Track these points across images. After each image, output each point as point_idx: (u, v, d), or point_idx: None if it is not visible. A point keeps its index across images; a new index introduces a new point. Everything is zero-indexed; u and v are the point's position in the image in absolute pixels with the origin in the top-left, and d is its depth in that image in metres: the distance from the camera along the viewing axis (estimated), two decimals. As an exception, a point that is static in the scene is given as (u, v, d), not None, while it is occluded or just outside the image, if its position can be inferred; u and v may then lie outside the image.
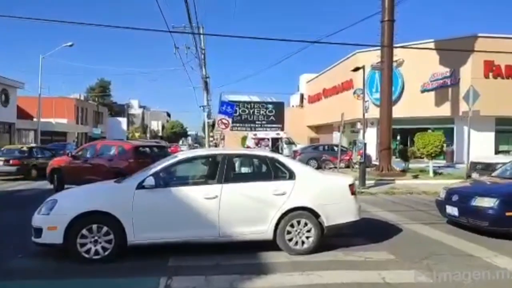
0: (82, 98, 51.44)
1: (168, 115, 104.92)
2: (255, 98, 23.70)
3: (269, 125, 22.96)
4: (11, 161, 15.18)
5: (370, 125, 24.25)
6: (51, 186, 11.97)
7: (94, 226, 4.88)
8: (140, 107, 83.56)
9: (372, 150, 21.90)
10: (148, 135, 72.45)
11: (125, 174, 7.57)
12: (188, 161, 5.90)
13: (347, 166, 19.75)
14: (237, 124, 21.65)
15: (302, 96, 42.95)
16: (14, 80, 27.93)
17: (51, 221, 4.90)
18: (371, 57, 20.98)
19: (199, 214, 5.13)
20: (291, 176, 5.53)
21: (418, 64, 23.34)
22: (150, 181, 5.06)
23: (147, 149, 12.21)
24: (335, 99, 30.74)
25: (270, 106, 23.68)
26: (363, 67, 14.83)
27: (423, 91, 24.53)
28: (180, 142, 71.87)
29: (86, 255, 4.86)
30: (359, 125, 24.41)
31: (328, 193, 5.57)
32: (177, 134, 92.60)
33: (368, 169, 14.92)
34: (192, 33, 15.27)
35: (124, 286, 4.29)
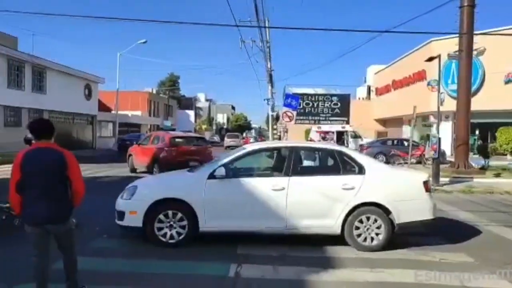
0: (154, 92, 54.47)
1: (233, 108, 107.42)
2: (320, 91, 23.32)
3: (333, 118, 22.48)
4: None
5: (445, 118, 22.68)
6: (127, 174, 13.29)
7: (170, 212, 5.20)
8: (207, 100, 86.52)
9: (446, 146, 20.46)
10: (214, 127, 74.95)
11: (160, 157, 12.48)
12: (256, 153, 6.01)
13: (419, 162, 18.68)
14: (301, 117, 21.46)
15: (369, 88, 41.41)
16: (96, 75, 30.44)
17: (132, 206, 5.31)
18: (447, 45, 19.46)
19: (266, 205, 5.23)
20: (361, 170, 5.40)
21: (502, 52, 21.23)
22: (221, 171, 5.25)
23: (182, 139, 14.33)
24: (405, 91, 29.16)
25: (335, 98, 23.17)
26: (439, 57, 13.85)
27: (507, 82, 22.32)
28: (244, 135, 73.32)
29: (163, 239, 5.20)
30: (432, 119, 22.88)
31: (401, 189, 5.35)
32: (241, 127, 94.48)
33: (442, 166, 13.99)
34: (258, 26, 15.43)
35: (197, 269, 4.51)
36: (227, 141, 39.66)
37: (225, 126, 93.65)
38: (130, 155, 15.22)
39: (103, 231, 5.95)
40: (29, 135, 5.75)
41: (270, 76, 23.41)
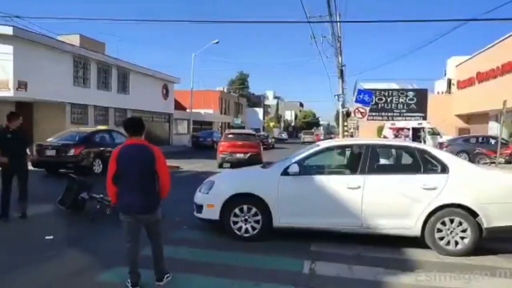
0: (225, 90, 56.23)
1: (301, 105, 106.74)
2: (394, 86, 22.18)
3: (409, 114, 21.27)
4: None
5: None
6: (201, 169, 14.03)
7: (245, 207, 5.37)
8: (275, 97, 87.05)
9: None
10: (281, 124, 75.23)
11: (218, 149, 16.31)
12: (330, 150, 5.95)
13: (508, 162, 16.93)
14: (373, 113, 20.68)
15: (449, 82, 38.34)
16: (172, 76, 32.28)
17: (210, 199, 5.58)
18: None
19: (341, 203, 5.16)
20: (444, 169, 5.07)
21: None
22: (294, 168, 5.29)
23: (233, 135, 17.43)
24: (492, 84, 26.51)
25: (410, 93, 21.88)
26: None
27: None
28: (304, 131, 72.70)
29: (238, 232, 5.39)
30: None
31: (491, 191, 4.94)
32: (309, 124, 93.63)
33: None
34: (331, 21, 15.13)
35: (271, 264, 4.61)
36: (304, 137, 48.81)
37: (292, 124, 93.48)
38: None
39: (183, 223, 6.32)
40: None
41: (341, 71, 22.82)
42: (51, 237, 5.41)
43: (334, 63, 22.94)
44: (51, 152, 11.80)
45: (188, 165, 16.09)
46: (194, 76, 35.13)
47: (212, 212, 5.51)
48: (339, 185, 5.20)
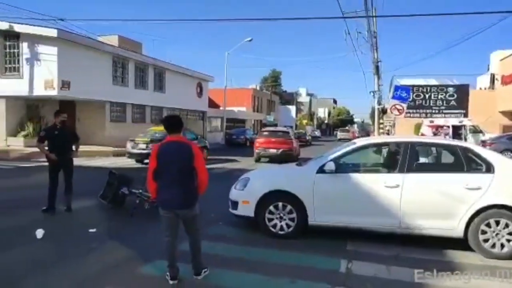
0: (258, 88, 56.34)
1: (335, 102, 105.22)
2: (432, 81, 21.41)
3: (449, 111, 20.46)
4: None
5: None
6: (235, 166, 14.30)
7: (280, 204, 5.37)
8: (308, 95, 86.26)
9: None
10: (314, 122, 74.49)
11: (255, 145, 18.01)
12: (368, 148, 5.84)
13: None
14: (410, 110, 20.06)
15: (493, 77, 36.44)
16: (206, 74, 32.72)
17: (245, 196, 5.63)
18: None
19: (378, 202, 5.05)
20: (489, 169, 4.84)
21: None
22: (330, 166, 5.23)
23: (267, 133, 19.21)
24: (541, 79, 25.00)
25: (450, 89, 21.07)
26: None
27: None
28: (340, 129, 71.77)
29: (273, 230, 5.40)
30: None
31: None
32: (343, 121, 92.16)
33: None
34: (367, 16, 14.79)
35: (306, 261, 4.58)
36: (339, 134, 52.54)
37: (326, 121, 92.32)
38: None
39: (218, 219, 6.42)
40: None
41: (377, 67, 22.26)
42: (94, 230, 5.67)
43: (370, 59, 22.46)
44: (142, 146, 14.70)
45: (222, 162, 16.30)
46: (227, 74, 35.46)
47: (247, 209, 5.56)
48: (377, 183, 5.09)
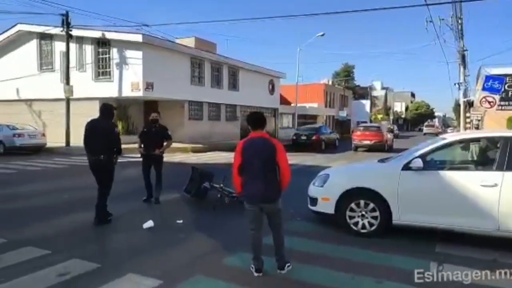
0: (330, 83, 55.20)
1: (412, 95, 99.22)
2: (529, 70, 19.09)
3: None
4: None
5: None
6: (309, 163, 14.24)
7: (362, 202, 5.23)
8: (383, 88, 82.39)
9: None
10: (391, 117, 70.94)
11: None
12: (459, 143, 5.42)
13: None
14: (502, 103, 18.27)
15: None
16: (278, 71, 32.92)
17: (325, 193, 5.57)
18: None
19: (473, 202, 4.67)
20: None
21: None
22: (418, 162, 4.95)
23: (363, 128, 24.12)
24: None
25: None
26: None
27: None
28: (425, 124, 67.57)
29: (354, 227, 5.28)
30: None
31: None
32: (422, 115, 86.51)
33: None
34: (453, 1, 13.66)
35: (390, 262, 4.40)
36: (425, 129, 58.67)
37: (403, 116, 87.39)
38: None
39: (296, 214, 6.44)
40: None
41: (463, 56, 20.51)
42: (181, 221, 6.05)
43: (454, 48, 20.77)
44: (304, 138, 22.82)
45: (296, 159, 16.32)
46: (299, 70, 35.31)
47: (327, 206, 5.50)
48: (471, 182, 4.71)
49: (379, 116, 63.84)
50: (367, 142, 21.76)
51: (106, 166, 5.78)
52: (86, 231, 5.58)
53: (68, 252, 4.53)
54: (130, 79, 19.33)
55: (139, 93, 19.27)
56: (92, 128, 5.82)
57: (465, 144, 5.70)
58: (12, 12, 53.76)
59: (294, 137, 23.80)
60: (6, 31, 22.60)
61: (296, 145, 22.59)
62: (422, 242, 4.97)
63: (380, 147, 21.20)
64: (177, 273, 4.04)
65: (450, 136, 5.70)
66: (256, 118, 3.99)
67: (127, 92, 19.49)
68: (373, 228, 5.18)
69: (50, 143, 18.20)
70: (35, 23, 21.40)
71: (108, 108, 6.00)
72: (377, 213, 5.14)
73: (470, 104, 24.85)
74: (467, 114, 25.72)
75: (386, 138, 22.73)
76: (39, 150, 17.38)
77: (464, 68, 21.39)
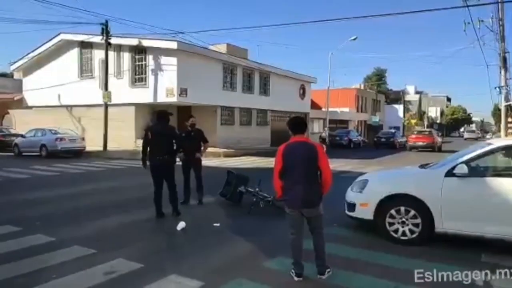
0: (362, 87, 54.31)
1: (448, 99, 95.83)
2: None
3: None
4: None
5: None
6: (341, 168, 14.22)
7: (402, 208, 5.10)
8: (417, 92, 79.97)
9: None
10: (425, 122, 68.80)
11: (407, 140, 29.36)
12: (507, 149, 5.20)
13: None
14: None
15: None
16: (309, 76, 32.75)
17: (363, 198, 5.49)
18: None
19: (523, 210, 4.46)
20: None
21: None
22: (462, 169, 4.79)
23: (417, 132, 30.35)
24: None
25: None
26: None
27: None
28: (462, 129, 65.36)
29: (394, 234, 5.15)
30: None
31: None
32: (457, 121, 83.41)
33: None
34: (494, 2, 13.14)
35: (436, 272, 4.27)
36: (466, 134, 63.64)
37: (438, 121, 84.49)
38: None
39: (333, 220, 6.36)
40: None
41: (504, 59, 19.66)
42: (218, 224, 6.13)
43: (494, 51, 19.95)
44: (384, 140, 30.43)
45: (332, 164, 16.17)
46: (330, 75, 34.98)
47: (365, 212, 5.41)
48: (521, 189, 4.52)
49: (413, 121, 62.03)
50: (420, 143, 27.06)
51: (171, 165, 6.43)
52: (128, 232, 5.77)
53: (113, 252, 4.70)
54: (165, 85, 19.85)
55: (174, 99, 19.74)
56: (155, 132, 6.33)
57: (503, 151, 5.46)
58: (51, 22, 56.21)
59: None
60: (50, 40, 23.84)
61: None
62: (466, 250, 4.79)
63: (431, 148, 26.59)
64: (218, 275, 4.10)
65: (497, 142, 5.48)
66: (296, 123, 4.01)
67: (162, 98, 20.01)
68: (414, 235, 5.04)
69: (88, 147, 18.96)
70: (77, 32, 22.47)
71: (164, 113, 6.54)
72: (418, 220, 5.01)
73: (511, 108, 23.73)
74: (509, 119, 24.58)
75: (436, 141, 27.70)
76: (79, 154, 18.14)
77: (506, 71, 20.51)
